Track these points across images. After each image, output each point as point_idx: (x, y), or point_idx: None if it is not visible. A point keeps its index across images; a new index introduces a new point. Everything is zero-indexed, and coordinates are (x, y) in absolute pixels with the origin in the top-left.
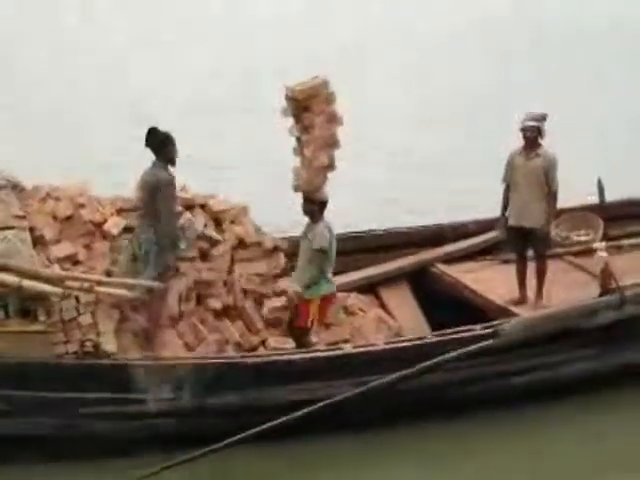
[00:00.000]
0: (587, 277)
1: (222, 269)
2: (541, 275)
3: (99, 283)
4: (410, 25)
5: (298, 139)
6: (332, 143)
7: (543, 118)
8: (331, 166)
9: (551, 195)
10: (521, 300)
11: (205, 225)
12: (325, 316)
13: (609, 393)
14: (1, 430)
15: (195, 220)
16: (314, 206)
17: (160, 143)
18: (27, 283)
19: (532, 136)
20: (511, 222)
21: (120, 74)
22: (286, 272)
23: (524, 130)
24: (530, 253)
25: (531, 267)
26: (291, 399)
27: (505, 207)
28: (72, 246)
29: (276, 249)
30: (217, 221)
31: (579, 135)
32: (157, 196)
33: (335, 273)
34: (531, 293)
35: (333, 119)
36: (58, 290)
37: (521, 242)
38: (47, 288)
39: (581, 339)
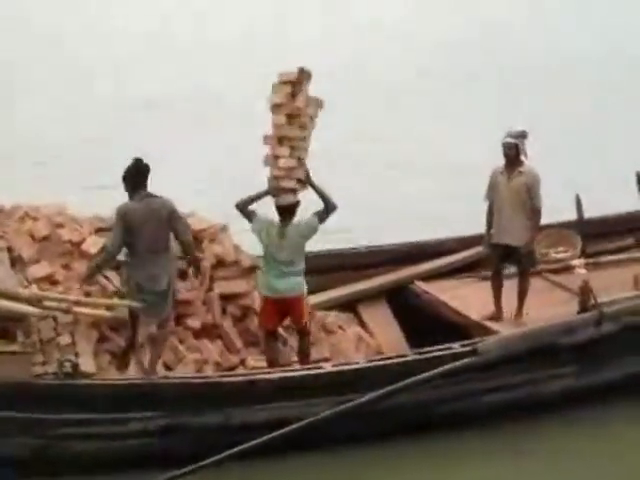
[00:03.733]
0: (566, 294)
1: (201, 288)
2: (523, 293)
3: (77, 303)
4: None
5: (280, 138)
6: (309, 137)
7: (522, 135)
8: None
9: (534, 212)
10: (496, 316)
11: None
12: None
13: (588, 410)
14: None
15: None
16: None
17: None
18: (4, 303)
19: (511, 153)
20: (495, 240)
21: None
22: None
23: (503, 147)
24: (511, 270)
25: (512, 284)
26: (271, 418)
27: (489, 225)
28: (50, 266)
29: (255, 267)
30: (196, 239)
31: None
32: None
33: (315, 291)
34: (507, 309)
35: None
36: (36, 310)
37: (503, 259)
38: (25, 308)
39: (560, 356)
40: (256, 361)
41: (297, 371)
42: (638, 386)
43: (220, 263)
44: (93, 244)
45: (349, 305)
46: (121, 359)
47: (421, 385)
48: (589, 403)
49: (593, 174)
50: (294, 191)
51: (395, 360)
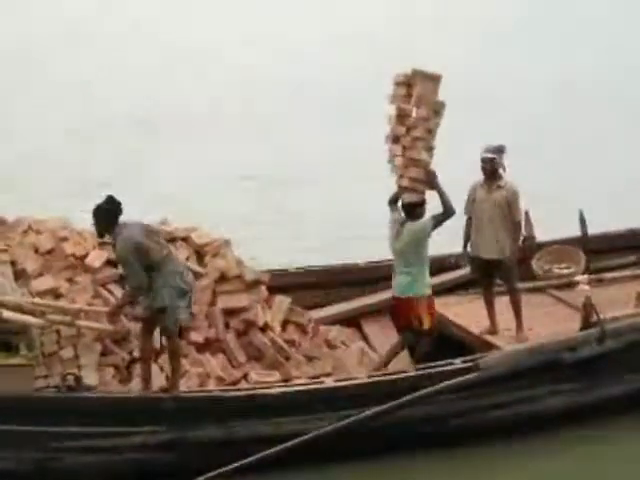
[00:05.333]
0: (569, 310)
1: (204, 302)
2: (517, 307)
3: (80, 311)
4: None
5: (395, 137)
6: (430, 136)
7: (500, 150)
8: (427, 161)
9: (515, 225)
10: (491, 330)
11: (187, 258)
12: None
13: (591, 427)
14: None
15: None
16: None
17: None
18: (8, 314)
19: (490, 168)
20: (474, 253)
21: None
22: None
23: (482, 161)
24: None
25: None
26: (273, 433)
27: (467, 238)
28: (54, 279)
29: (257, 282)
30: (199, 254)
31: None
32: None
33: (317, 306)
34: (509, 325)
35: (437, 112)
36: (39, 321)
37: (487, 273)
38: (28, 319)
39: (563, 373)
40: (259, 375)
41: (299, 386)
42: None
43: (223, 277)
44: (97, 258)
45: (352, 320)
46: (143, 371)
47: (423, 401)
48: (591, 419)
49: (594, 190)
50: (416, 190)
51: (397, 376)
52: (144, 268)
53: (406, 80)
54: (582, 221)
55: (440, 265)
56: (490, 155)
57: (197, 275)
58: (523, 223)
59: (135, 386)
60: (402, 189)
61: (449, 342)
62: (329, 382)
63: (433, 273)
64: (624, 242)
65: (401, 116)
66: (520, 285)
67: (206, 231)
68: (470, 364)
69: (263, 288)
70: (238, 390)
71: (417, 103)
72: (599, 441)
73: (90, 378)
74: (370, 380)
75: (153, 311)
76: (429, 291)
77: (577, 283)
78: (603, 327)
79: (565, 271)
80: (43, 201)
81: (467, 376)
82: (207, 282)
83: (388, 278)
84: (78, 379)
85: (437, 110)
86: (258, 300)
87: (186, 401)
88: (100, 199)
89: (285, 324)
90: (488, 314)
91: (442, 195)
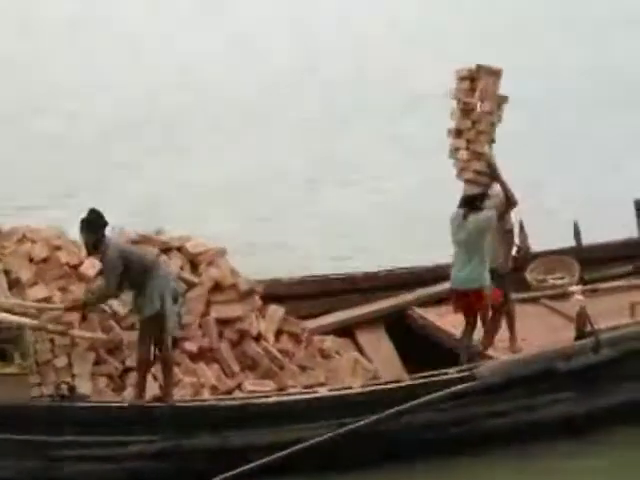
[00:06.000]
0: (563, 320)
1: (198, 312)
2: (510, 317)
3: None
4: None
5: (459, 131)
6: (491, 130)
7: None
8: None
9: (506, 233)
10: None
11: (181, 267)
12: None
13: (586, 436)
14: None
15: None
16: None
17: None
18: (2, 315)
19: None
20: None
21: None
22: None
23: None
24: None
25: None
26: (267, 442)
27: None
28: (48, 289)
29: (252, 292)
30: (193, 264)
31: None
32: None
33: (311, 316)
34: (501, 335)
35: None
36: (34, 322)
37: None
38: (23, 320)
39: (557, 382)
40: (253, 385)
41: (293, 395)
42: (635, 412)
43: (217, 287)
44: (91, 267)
45: (346, 330)
46: (137, 381)
47: (418, 410)
48: (587, 429)
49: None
50: (478, 183)
51: (391, 385)
52: (134, 276)
53: (470, 75)
54: (576, 231)
55: (437, 275)
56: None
57: (191, 284)
58: (517, 232)
59: (128, 395)
60: (466, 182)
61: (443, 351)
62: (323, 391)
63: (428, 282)
64: (618, 252)
65: (465, 110)
66: (514, 295)
67: (201, 240)
68: (465, 373)
69: (257, 298)
70: (232, 399)
71: (481, 97)
72: (596, 449)
73: (84, 387)
74: (365, 389)
75: (148, 316)
76: (489, 280)
77: (571, 293)
78: (597, 337)
79: (559, 281)
80: None
81: (462, 385)
82: (201, 291)
83: (383, 288)
84: (72, 388)
85: (499, 104)
86: (252, 310)
87: (180, 410)
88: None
89: (279, 334)
90: (482, 325)
91: (505, 187)
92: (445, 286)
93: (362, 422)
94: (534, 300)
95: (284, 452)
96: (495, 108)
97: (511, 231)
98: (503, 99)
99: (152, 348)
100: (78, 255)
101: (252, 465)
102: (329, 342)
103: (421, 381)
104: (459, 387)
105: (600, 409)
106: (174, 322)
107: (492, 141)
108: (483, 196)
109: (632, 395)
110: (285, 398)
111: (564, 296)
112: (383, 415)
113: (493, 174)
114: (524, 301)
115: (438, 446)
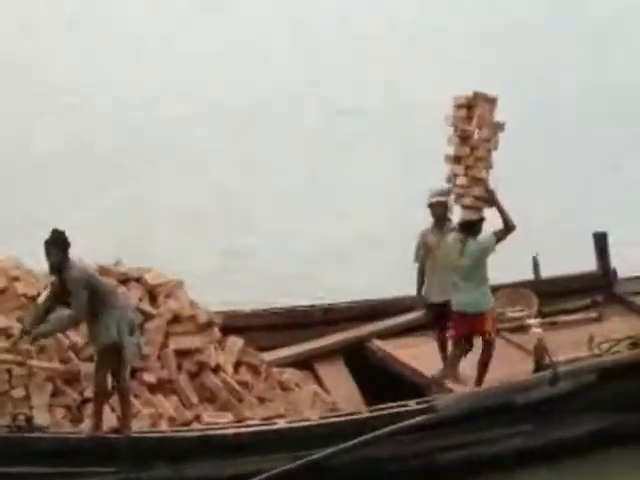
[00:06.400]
0: (522, 353)
1: (156, 343)
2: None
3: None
4: None
5: (457, 158)
6: (488, 156)
7: (448, 193)
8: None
9: None
10: (445, 374)
11: (140, 299)
12: None
13: (544, 469)
14: None
15: (130, 294)
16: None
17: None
18: None
19: (442, 212)
20: (435, 299)
21: None
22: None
23: (432, 206)
24: None
25: None
26: (226, 474)
27: (420, 285)
28: (6, 319)
29: (210, 323)
30: (152, 295)
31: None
32: None
33: (270, 348)
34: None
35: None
36: None
37: (442, 317)
38: None
39: (516, 415)
40: (211, 417)
41: (251, 427)
42: (593, 444)
43: (176, 318)
44: None
45: (306, 362)
46: (94, 412)
47: (376, 442)
48: (545, 462)
49: (548, 233)
50: (476, 208)
51: (349, 417)
52: (93, 304)
53: (467, 102)
54: (535, 264)
55: (396, 307)
56: (442, 199)
57: (149, 316)
58: None
59: (86, 427)
60: (464, 207)
61: (402, 383)
62: (282, 423)
63: (388, 315)
64: (576, 285)
65: (463, 137)
66: None
67: (160, 272)
68: (424, 405)
69: (216, 329)
70: (190, 431)
71: (479, 124)
72: None
73: (41, 418)
74: (323, 421)
75: (105, 346)
76: (492, 304)
77: (529, 326)
78: (555, 370)
79: (518, 314)
80: None
81: (421, 417)
82: (160, 323)
83: (342, 320)
84: (29, 419)
85: (496, 131)
86: (211, 341)
87: (138, 441)
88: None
89: (238, 365)
90: (442, 357)
91: (502, 211)
92: (405, 318)
93: (320, 454)
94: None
95: None
96: (492, 135)
97: None
98: (499, 126)
99: (109, 379)
100: (35, 286)
101: None
102: (288, 374)
103: (380, 413)
104: (418, 419)
105: (558, 442)
106: (133, 353)
107: (489, 167)
108: (481, 221)
109: (589, 427)
110: (243, 430)
111: (522, 329)
112: (342, 447)
113: (492, 199)
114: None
115: (397, 479)
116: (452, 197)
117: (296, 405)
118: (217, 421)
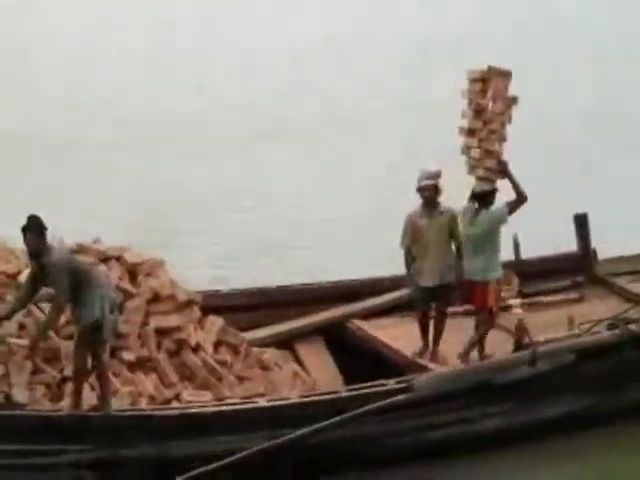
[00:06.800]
0: (502, 333)
1: (136, 322)
2: (440, 330)
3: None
4: None
5: (471, 130)
6: (502, 129)
7: (438, 175)
8: (499, 152)
9: (459, 247)
10: (423, 353)
11: (120, 278)
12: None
13: (523, 448)
14: None
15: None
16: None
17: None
18: None
19: (431, 194)
20: (425, 283)
21: None
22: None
23: (422, 190)
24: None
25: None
26: (205, 452)
27: (409, 268)
28: None
29: (190, 302)
30: (132, 274)
31: None
32: None
33: (250, 328)
34: (447, 348)
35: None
36: None
37: (430, 300)
38: None
39: (495, 394)
40: (191, 395)
41: (231, 405)
42: (572, 424)
43: (156, 297)
44: None
45: (285, 342)
46: (74, 390)
47: (355, 421)
48: (524, 441)
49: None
50: (489, 179)
51: (328, 396)
52: (75, 285)
53: (481, 76)
54: (516, 245)
55: (376, 287)
56: (431, 182)
57: (129, 295)
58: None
59: (66, 405)
60: (478, 178)
61: (383, 363)
62: (261, 402)
63: (368, 295)
64: (557, 266)
65: (478, 110)
66: (452, 309)
67: (139, 251)
68: (403, 385)
69: (196, 308)
70: (170, 409)
71: (493, 98)
72: (532, 462)
73: (20, 396)
74: (302, 400)
75: (87, 325)
76: (500, 274)
77: (510, 307)
78: (535, 349)
79: None
80: None
81: (400, 397)
82: (139, 302)
83: (322, 300)
84: (8, 397)
85: (510, 104)
86: (191, 320)
87: (117, 419)
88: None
89: (218, 345)
90: (422, 338)
91: (515, 183)
92: (385, 298)
93: (299, 433)
94: (471, 314)
95: (222, 462)
96: (505, 108)
97: (461, 247)
98: (513, 100)
99: (89, 357)
100: (16, 264)
101: (188, 475)
102: (268, 354)
103: (359, 392)
104: (397, 398)
105: (537, 421)
106: (109, 330)
107: (503, 139)
108: (494, 192)
109: (568, 407)
110: (223, 408)
111: (503, 309)
112: (320, 426)
113: (504, 171)
114: (463, 314)
115: (375, 458)
116: (440, 180)
117: (276, 385)
118: (197, 400)
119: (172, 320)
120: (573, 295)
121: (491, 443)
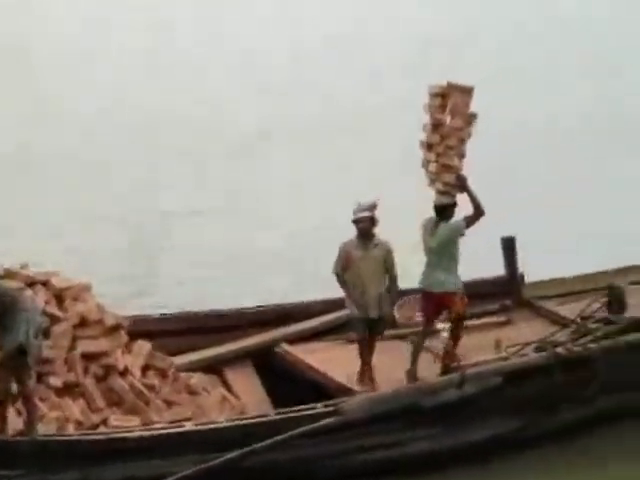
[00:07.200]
0: (430, 357)
1: (63, 346)
2: (369, 357)
3: None
4: None
5: (429, 145)
6: (462, 144)
7: (374, 207)
8: (458, 167)
9: (392, 281)
10: (362, 379)
11: (47, 302)
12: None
13: (451, 471)
14: None
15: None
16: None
17: None
18: None
19: (365, 226)
20: (359, 314)
21: None
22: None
23: (357, 222)
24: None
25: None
26: (133, 477)
27: (349, 295)
28: None
29: (118, 327)
30: (59, 298)
31: None
32: None
33: (179, 352)
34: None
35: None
36: None
37: (366, 329)
38: None
39: (423, 417)
40: (118, 420)
41: (158, 430)
42: (500, 447)
43: (83, 322)
44: None
45: (214, 367)
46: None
47: (286, 444)
48: (452, 464)
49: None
50: (449, 194)
51: (256, 420)
52: (0, 310)
53: (441, 92)
54: None
55: (304, 311)
56: (366, 214)
57: (56, 319)
58: None
59: None
60: (438, 192)
61: (312, 388)
62: (189, 426)
63: (297, 319)
64: (485, 289)
65: (436, 125)
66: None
67: (66, 276)
68: (331, 408)
69: (123, 333)
70: (97, 434)
71: (452, 114)
72: None
73: None
74: (230, 424)
75: (11, 350)
76: (460, 284)
77: (438, 330)
78: (463, 372)
79: None
80: None
81: (327, 420)
82: (66, 326)
83: (250, 325)
84: None
85: (469, 121)
86: (118, 345)
87: (44, 445)
88: None
89: (145, 369)
90: (361, 364)
91: (473, 197)
92: (314, 322)
93: (226, 457)
94: (401, 337)
95: None
96: (464, 125)
97: (396, 279)
98: (473, 116)
99: (13, 382)
100: None
101: None
102: (196, 379)
103: (287, 416)
104: (328, 421)
105: (465, 444)
106: (34, 355)
107: (462, 155)
108: (453, 206)
109: (496, 430)
110: (150, 433)
111: (431, 333)
112: (250, 449)
113: (462, 185)
114: (392, 338)
115: None
116: (376, 212)
117: (204, 409)
118: (124, 424)
119: (99, 345)
120: (501, 318)
121: (420, 466)
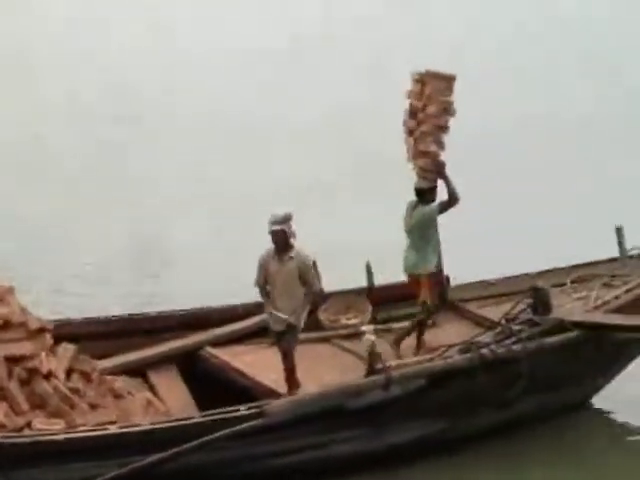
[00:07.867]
0: (355, 359)
1: None
2: (291, 371)
3: None
4: None
5: (410, 130)
6: (440, 131)
7: (288, 219)
8: (435, 153)
9: (314, 295)
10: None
11: None
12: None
13: (377, 474)
14: None
15: None
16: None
17: None
18: None
19: (281, 239)
20: (273, 327)
21: None
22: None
23: (272, 234)
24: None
25: (304, 350)
26: None
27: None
28: None
29: (42, 330)
30: None
31: None
32: None
33: (104, 356)
34: (301, 375)
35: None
36: None
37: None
38: None
39: (348, 419)
40: (42, 423)
41: (82, 432)
42: (425, 448)
43: (6, 325)
44: None
45: (138, 370)
46: None
47: (210, 446)
48: (377, 466)
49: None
50: (426, 178)
51: (180, 422)
52: None
53: (420, 78)
54: (369, 272)
55: (229, 314)
56: (279, 227)
57: None
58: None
59: None
60: (418, 176)
61: (236, 390)
62: (113, 429)
63: (221, 322)
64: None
65: (412, 112)
66: (306, 335)
67: None
68: (255, 410)
69: (48, 336)
70: (21, 437)
71: (427, 101)
72: None
73: None
74: (154, 427)
75: None
76: (433, 268)
77: (363, 333)
78: (388, 374)
79: (351, 321)
80: None
81: (251, 422)
82: None
83: (176, 328)
84: None
85: (446, 108)
86: (42, 348)
87: None
88: None
89: (70, 372)
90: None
91: (448, 184)
92: (238, 325)
93: (150, 459)
94: (326, 340)
95: None
96: (441, 112)
97: (319, 291)
98: (449, 104)
99: None
100: None
101: None
102: (120, 382)
103: (210, 418)
104: (252, 423)
105: (389, 446)
106: None
107: (441, 142)
108: (432, 190)
109: (420, 431)
110: (74, 435)
111: (356, 335)
112: (172, 452)
113: (439, 171)
114: (316, 341)
115: None
116: (291, 223)
117: (128, 412)
118: (48, 427)
119: (23, 348)
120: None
121: (345, 468)
